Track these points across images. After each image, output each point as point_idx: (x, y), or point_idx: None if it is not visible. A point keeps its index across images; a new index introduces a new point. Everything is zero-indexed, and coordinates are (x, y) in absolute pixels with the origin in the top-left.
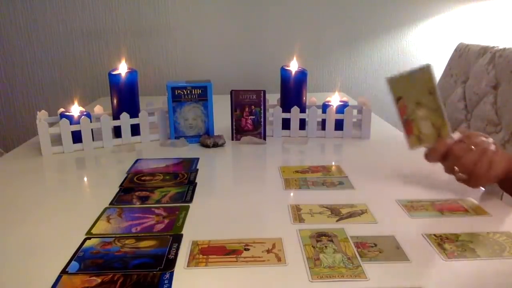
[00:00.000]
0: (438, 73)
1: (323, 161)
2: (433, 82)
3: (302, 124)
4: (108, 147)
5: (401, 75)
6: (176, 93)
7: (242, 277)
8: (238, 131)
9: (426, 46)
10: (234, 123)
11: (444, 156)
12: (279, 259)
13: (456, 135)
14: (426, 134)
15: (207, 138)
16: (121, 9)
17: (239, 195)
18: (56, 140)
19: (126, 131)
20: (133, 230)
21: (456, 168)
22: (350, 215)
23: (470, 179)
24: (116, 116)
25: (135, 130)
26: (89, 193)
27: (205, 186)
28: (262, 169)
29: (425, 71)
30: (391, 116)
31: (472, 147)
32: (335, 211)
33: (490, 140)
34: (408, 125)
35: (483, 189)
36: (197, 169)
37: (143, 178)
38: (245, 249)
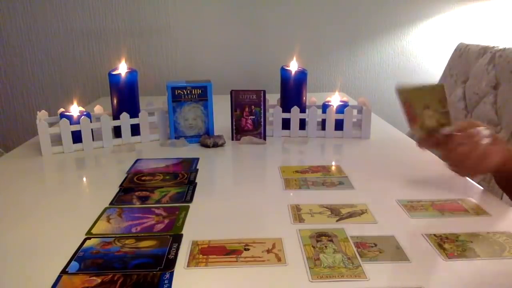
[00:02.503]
0: (438, 73)
1: (323, 161)
2: (445, 97)
3: (302, 124)
4: (108, 147)
5: (413, 87)
6: (176, 93)
7: (242, 277)
8: (238, 131)
9: (426, 46)
10: (234, 123)
11: (439, 144)
12: (279, 259)
13: (456, 126)
14: (429, 126)
15: (207, 138)
16: (121, 9)
17: (239, 195)
18: (56, 140)
19: (126, 131)
20: (133, 230)
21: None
22: (350, 215)
23: (460, 171)
24: (116, 116)
25: (135, 130)
26: (89, 193)
27: (205, 186)
28: (262, 169)
29: (438, 89)
30: (391, 116)
31: (465, 141)
32: (335, 211)
33: (488, 132)
34: (413, 119)
35: (482, 187)
36: (197, 169)
37: (143, 178)
38: (245, 249)
